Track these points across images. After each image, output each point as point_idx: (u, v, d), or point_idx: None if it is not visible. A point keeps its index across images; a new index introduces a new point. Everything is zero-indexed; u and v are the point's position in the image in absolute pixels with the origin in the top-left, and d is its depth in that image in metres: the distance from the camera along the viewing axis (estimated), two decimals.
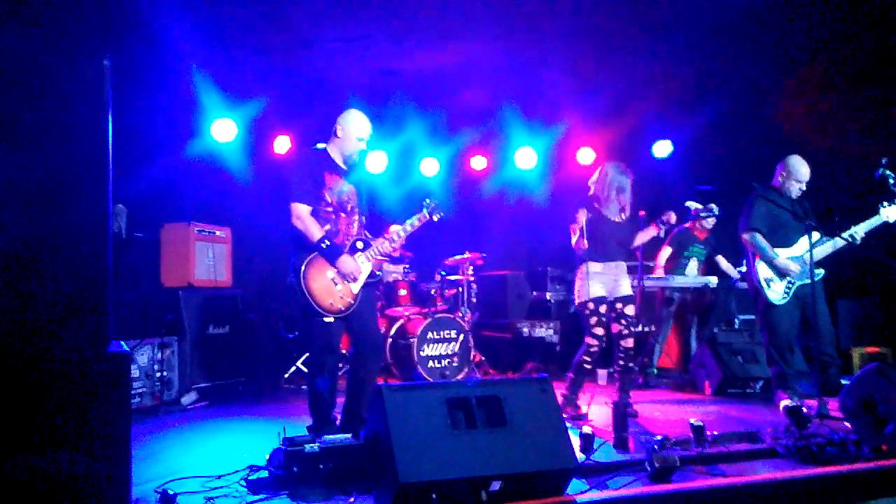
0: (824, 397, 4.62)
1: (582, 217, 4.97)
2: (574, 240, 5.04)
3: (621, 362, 5.08)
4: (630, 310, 5.07)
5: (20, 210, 2.59)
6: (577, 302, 5.14)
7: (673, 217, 5.22)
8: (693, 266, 6.94)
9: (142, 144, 6.26)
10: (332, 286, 4.10)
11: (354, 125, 4.26)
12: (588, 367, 5.03)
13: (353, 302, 4.15)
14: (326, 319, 4.07)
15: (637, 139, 8.39)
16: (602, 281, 5.01)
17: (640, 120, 7.96)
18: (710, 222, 6.85)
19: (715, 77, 7.11)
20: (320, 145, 4.34)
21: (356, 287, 4.18)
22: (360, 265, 4.19)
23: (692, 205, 6.60)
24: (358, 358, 4.27)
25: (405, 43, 6.40)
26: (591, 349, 4.99)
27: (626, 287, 5.12)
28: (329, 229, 4.15)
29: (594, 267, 5.01)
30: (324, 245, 4.06)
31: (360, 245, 4.25)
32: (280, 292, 6.94)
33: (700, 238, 6.97)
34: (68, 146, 2.68)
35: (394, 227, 4.36)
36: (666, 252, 6.94)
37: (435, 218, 4.46)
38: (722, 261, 7.05)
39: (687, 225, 6.93)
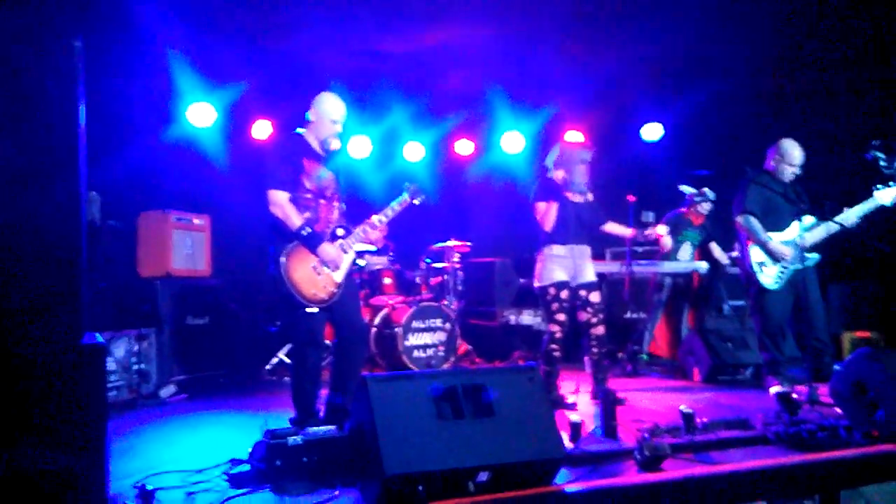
0: (818, 384, 4.60)
1: (559, 175, 4.89)
2: (540, 214, 4.94)
3: (594, 350, 5.02)
4: (595, 297, 4.99)
5: None
6: (536, 286, 5.06)
7: (654, 235, 5.16)
8: (686, 251, 6.91)
9: (116, 130, 6.12)
10: (315, 276, 4.01)
11: (327, 108, 4.15)
12: (557, 354, 4.96)
13: (336, 291, 4.07)
14: (310, 310, 3.99)
15: (626, 122, 8.36)
16: (563, 265, 4.94)
17: (630, 102, 7.93)
18: (705, 207, 6.82)
19: (706, 58, 7.06)
20: (299, 130, 4.24)
21: (339, 276, 4.09)
22: (342, 253, 4.10)
23: (686, 189, 6.57)
24: (342, 348, 4.20)
25: (388, 24, 6.29)
26: (556, 335, 4.93)
27: (589, 273, 5.03)
28: (309, 216, 4.05)
29: (556, 250, 4.95)
30: (304, 233, 3.96)
31: (340, 232, 4.16)
32: (261, 282, 6.85)
33: (695, 223, 6.92)
34: (37, 131, 2.60)
35: (374, 217, 4.27)
36: (663, 227, 6.86)
37: (416, 201, 4.37)
38: (715, 248, 7.01)
39: (682, 210, 6.89)
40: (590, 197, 5.10)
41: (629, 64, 7.19)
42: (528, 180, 8.42)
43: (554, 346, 4.94)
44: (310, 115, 4.18)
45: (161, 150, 6.86)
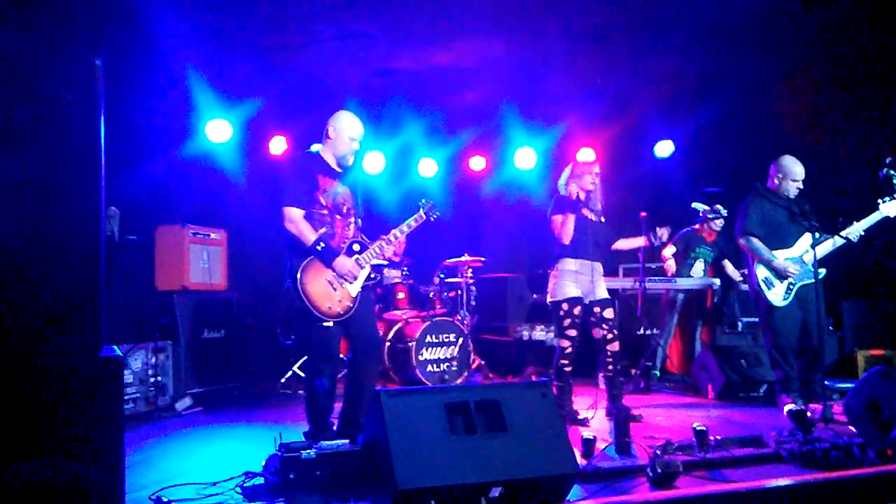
0: (809, 402, 4.60)
1: (573, 191, 4.89)
2: (557, 228, 4.94)
3: (609, 367, 5.02)
4: (609, 313, 5.00)
5: (9, 212, 2.54)
6: (549, 301, 5.07)
7: (666, 234, 5.19)
8: (699, 267, 6.91)
9: (135, 145, 6.19)
10: (330, 290, 4.04)
11: (346, 125, 4.20)
12: (568, 369, 4.97)
13: (351, 305, 4.09)
14: (325, 324, 4.02)
15: (638, 139, 8.35)
16: (577, 281, 4.95)
17: (642, 120, 7.92)
18: (718, 224, 6.83)
19: (717, 76, 7.07)
20: (314, 148, 4.29)
21: (354, 290, 4.12)
22: (358, 267, 4.14)
23: (699, 206, 6.58)
24: (356, 362, 4.21)
25: (403, 42, 6.36)
26: (566, 351, 4.94)
27: (602, 290, 5.06)
28: (324, 232, 4.09)
29: (570, 265, 4.96)
30: (319, 247, 4.01)
31: (356, 247, 4.19)
32: (276, 295, 6.89)
33: (708, 240, 6.94)
34: (59, 147, 2.62)
35: (391, 232, 4.31)
36: (669, 250, 6.87)
37: (432, 218, 4.41)
38: (728, 265, 7.00)
39: (696, 227, 6.89)
40: (602, 220, 5.14)
41: (641, 81, 7.22)
42: (542, 196, 8.49)
43: (564, 360, 4.95)
44: (328, 132, 4.23)
45: (179, 165, 6.93)
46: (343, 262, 4.06)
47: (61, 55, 2.62)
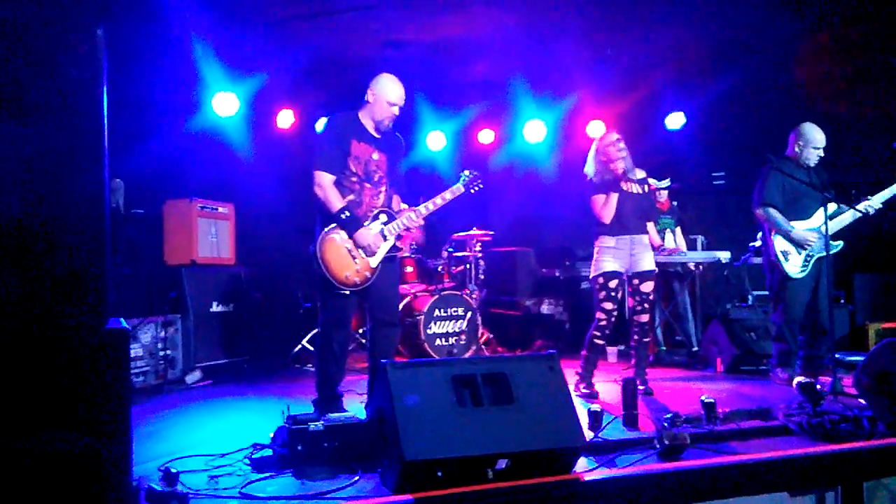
0: (811, 374, 4.58)
1: (615, 166, 4.86)
2: (598, 207, 4.90)
3: (636, 338, 5.01)
4: (647, 286, 4.97)
5: (11, 186, 2.53)
6: (591, 276, 5.07)
7: (666, 183, 5.14)
8: (670, 238, 6.90)
9: (142, 119, 6.17)
10: (350, 259, 4.00)
11: (386, 90, 4.10)
12: (600, 342, 4.96)
13: (370, 276, 4.05)
14: (342, 292, 4.00)
15: (649, 111, 8.25)
16: (615, 256, 4.92)
17: (653, 91, 7.81)
18: (662, 195, 6.76)
19: (730, 46, 6.93)
20: (354, 112, 4.20)
21: (375, 261, 4.07)
22: (381, 238, 4.10)
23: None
24: (376, 333, 4.20)
25: (411, 13, 6.26)
26: (601, 323, 4.92)
27: (647, 262, 4.99)
28: (352, 199, 4.04)
29: (606, 241, 4.94)
30: (343, 216, 3.97)
31: (383, 218, 4.14)
32: (285, 269, 6.91)
33: (664, 210, 6.93)
34: (60, 119, 2.60)
35: (422, 204, 4.24)
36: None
37: (472, 191, 4.33)
38: (677, 232, 7.01)
39: None
40: (645, 188, 5.09)
41: (653, 52, 7.10)
42: (551, 170, 8.44)
43: (597, 332, 4.94)
44: (368, 96, 4.14)
45: (186, 139, 6.90)
46: (364, 234, 4.01)
47: (62, 24, 2.59)
